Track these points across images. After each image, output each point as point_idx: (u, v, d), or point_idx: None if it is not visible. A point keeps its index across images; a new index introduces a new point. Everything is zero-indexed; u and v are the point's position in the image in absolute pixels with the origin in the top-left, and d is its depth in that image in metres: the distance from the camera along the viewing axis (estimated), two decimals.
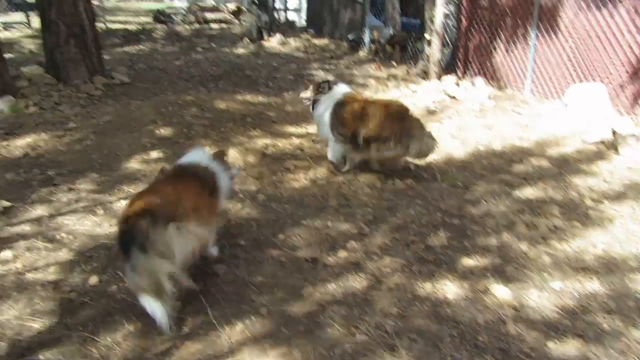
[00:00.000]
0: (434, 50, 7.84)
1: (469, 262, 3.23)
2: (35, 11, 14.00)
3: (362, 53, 10.65)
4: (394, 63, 9.53)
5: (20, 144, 5.02)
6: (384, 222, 3.75)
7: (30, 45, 11.05)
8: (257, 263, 3.21)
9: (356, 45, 11.04)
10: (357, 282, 3.03)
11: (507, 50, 7.71)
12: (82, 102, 6.38)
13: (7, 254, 3.18)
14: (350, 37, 11.35)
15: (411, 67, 9.00)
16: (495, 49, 7.90)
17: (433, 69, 7.91)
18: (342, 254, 3.35)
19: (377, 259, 3.27)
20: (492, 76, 7.88)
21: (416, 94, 7.39)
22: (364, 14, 10.88)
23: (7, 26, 12.68)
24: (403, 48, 9.98)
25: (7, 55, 6.88)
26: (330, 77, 5.34)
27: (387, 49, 10.24)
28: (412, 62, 9.28)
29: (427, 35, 8.19)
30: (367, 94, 7.53)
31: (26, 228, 3.50)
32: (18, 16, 13.86)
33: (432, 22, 7.92)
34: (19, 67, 7.32)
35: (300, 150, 5.17)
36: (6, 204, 3.78)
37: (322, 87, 4.64)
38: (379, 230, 3.64)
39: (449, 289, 2.96)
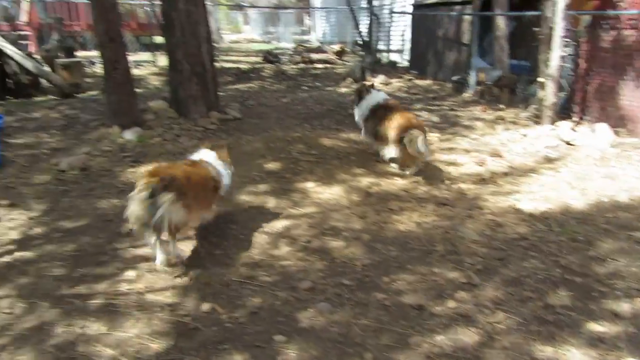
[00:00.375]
0: (549, 94, 7.45)
1: (596, 327, 2.91)
2: (161, 51, 15.54)
3: (467, 95, 10.43)
4: (501, 106, 9.20)
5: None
6: (495, 273, 3.53)
7: (156, 81, 12.17)
8: (362, 305, 3.15)
9: (461, 86, 10.85)
10: (467, 336, 2.85)
11: (633, 95, 7.13)
12: (199, 135, 6.83)
13: (131, 273, 3.42)
14: (454, 78, 11.20)
15: (520, 111, 8.63)
16: (618, 93, 7.34)
17: (547, 113, 7.51)
18: (450, 303, 3.19)
19: (489, 313, 3.07)
20: (614, 122, 7.29)
21: (527, 138, 7.03)
22: (470, 55, 10.71)
23: (137, 64, 14.12)
24: (511, 91, 9.63)
25: (136, 90, 7.59)
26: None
27: (494, 91, 9.94)
28: (521, 105, 8.90)
29: (540, 79, 7.83)
30: (473, 136, 7.31)
31: (148, 250, 3.74)
32: (146, 55, 15.41)
33: (546, 65, 7.58)
34: (146, 102, 8.06)
35: (404, 192, 5.09)
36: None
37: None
38: (490, 282, 3.43)
39: (574, 356, 2.68)
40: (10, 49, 9.45)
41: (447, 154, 6.38)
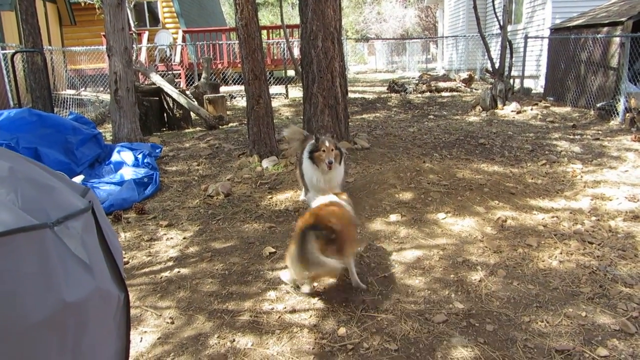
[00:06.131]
0: None
1: None
2: (292, 84, 16.55)
3: (614, 123, 9.55)
4: None
5: (281, 198, 5.84)
6: None
7: (287, 112, 12.98)
8: (500, 343, 3.03)
9: (606, 114, 9.98)
10: None
11: None
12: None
13: (272, 294, 3.67)
14: (599, 105, 10.33)
15: None
16: None
17: None
18: (601, 351, 2.92)
19: None
20: None
21: None
22: (619, 79, 9.83)
23: (271, 96, 15.22)
24: None
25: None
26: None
27: None
28: None
29: None
30: (622, 168, 6.67)
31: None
32: (279, 88, 16.51)
33: None
34: (280, 132, 8.63)
35: (542, 227, 4.80)
36: (271, 249, 4.41)
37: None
38: None
39: None
40: (168, 87, 10.79)
41: (592, 188, 5.90)
